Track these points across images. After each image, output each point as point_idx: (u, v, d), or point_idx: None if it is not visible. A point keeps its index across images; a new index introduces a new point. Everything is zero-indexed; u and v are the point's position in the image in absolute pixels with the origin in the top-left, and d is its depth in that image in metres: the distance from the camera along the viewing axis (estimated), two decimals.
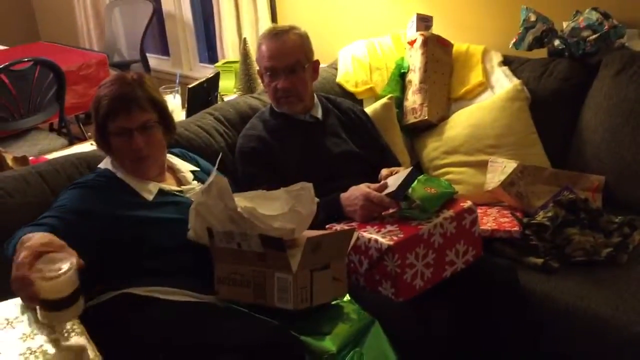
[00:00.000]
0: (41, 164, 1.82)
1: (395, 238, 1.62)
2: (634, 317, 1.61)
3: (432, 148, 2.32)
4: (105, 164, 1.74)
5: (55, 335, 1.18)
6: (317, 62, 2.06)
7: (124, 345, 1.41)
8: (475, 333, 1.76)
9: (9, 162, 1.90)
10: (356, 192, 1.76)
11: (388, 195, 1.72)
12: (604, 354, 1.65)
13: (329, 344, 1.41)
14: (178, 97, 2.49)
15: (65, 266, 1.18)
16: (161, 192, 1.70)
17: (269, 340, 1.36)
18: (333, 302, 1.54)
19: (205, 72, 3.79)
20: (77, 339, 1.19)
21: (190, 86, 2.41)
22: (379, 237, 1.64)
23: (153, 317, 1.48)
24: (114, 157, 1.71)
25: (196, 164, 1.90)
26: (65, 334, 1.20)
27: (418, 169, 2.29)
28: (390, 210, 1.73)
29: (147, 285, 1.55)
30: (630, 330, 1.59)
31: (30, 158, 2.07)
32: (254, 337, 1.37)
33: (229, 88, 2.94)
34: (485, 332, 1.75)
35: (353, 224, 1.74)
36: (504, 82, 2.31)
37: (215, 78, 2.60)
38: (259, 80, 2.70)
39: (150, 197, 1.67)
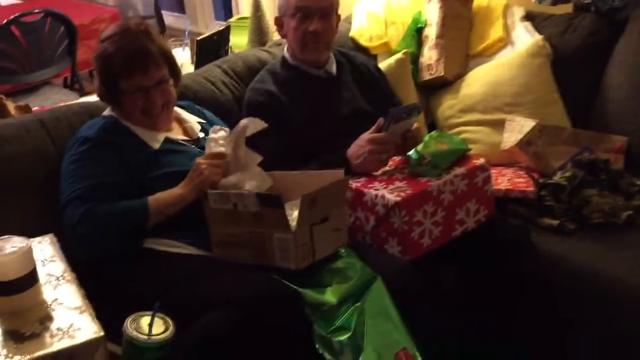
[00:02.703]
0: (43, 112, 1.79)
1: (402, 194, 1.56)
2: None
3: (447, 106, 2.23)
4: (110, 111, 1.69)
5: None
6: (339, 17, 1.97)
7: (119, 296, 1.39)
8: (485, 295, 1.71)
9: (12, 110, 1.86)
10: (359, 142, 1.70)
11: (380, 125, 1.69)
12: (617, 317, 1.59)
13: (329, 295, 1.37)
14: (187, 50, 2.42)
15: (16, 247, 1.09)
16: (167, 140, 1.65)
17: (261, 293, 1.33)
18: (336, 259, 1.49)
19: None
20: (68, 286, 1.16)
21: (199, 38, 2.34)
22: (386, 193, 1.58)
23: (150, 268, 1.46)
24: (122, 112, 1.64)
25: (203, 116, 1.85)
26: (55, 281, 1.16)
27: (432, 127, 2.22)
28: (397, 159, 1.67)
29: (147, 237, 1.52)
30: None
31: (35, 108, 2.03)
32: (247, 290, 1.34)
33: (242, 45, 2.86)
34: (495, 294, 1.70)
35: (361, 179, 1.68)
36: (525, 38, 2.20)
37: (226, 32, 2.52)
38: (270, 34, 2.63)
39: (156, 146, 1.62)
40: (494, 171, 1.82)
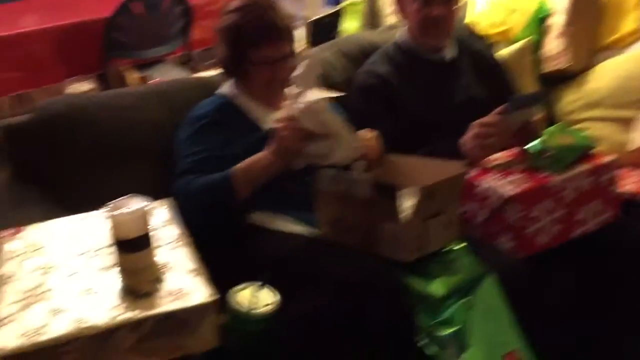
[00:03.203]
0: (160, 84, 1.85)
1: (519, 188, 1.48)
2: None
3: (569, 101, 2.11)
4: (225, 89, 1.71)
5: None
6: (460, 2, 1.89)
7: (226, 267, 1.40)
8: (600, 303, 1.59)
9: (130, 81, 1.93)
10: (470, 128, 1.63)
11: (500, 111, 1.59)
12: None
13: (436, 287, 1.32)
14: (300, 32, 2.42)
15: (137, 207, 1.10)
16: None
17: (367, 278, 1.30)
18: (446, 251, 1.43)
19: None
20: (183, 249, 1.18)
21: (312, 19, 2.33)
22: (501, 185, 1.50)
23: (257, 242, 1.47)
24: (244, 84, 1.66)
25: None
26: (171, 244, 1.18)
27: (551, 123, 2.10)
28: (515, 151, 1.58)
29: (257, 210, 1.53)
30: None
31: (151, 81, 2.09)
32: (352, 273, 1.31)
33: (352, 29, 2.83)
34: (613, 305, 1.57)
35: (474, 169, 1.60)
36: None
37: (338, 14, 2.50)
38: (383, 18, 2.59)
39: (266, 127, 1.62)
40: (620, 172, 1.70)
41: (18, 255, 1.16)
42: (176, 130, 1.63)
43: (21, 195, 1.57)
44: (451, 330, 1.29)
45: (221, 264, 1.39)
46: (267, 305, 1.27)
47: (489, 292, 1.34)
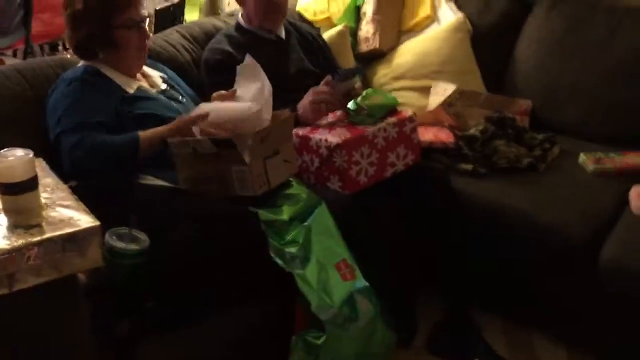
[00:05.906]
0: (18, 63, 1.96)
1: (343, 137, 1.83)
2: (546, 209, 1.89)
3: (381, 74, 2.52)
4: (85, 62, 1.85)
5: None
6: None
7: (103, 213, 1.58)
8: (414, 224, 1.98)
9: None
10: (306, 95, 1.97)
11: (330, 80, 1.95)
12: (524, 241, 1.91)
13: (281, 214, 1.62)
14: None
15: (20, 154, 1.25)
16: (139, 89, 1.86)
17: (223, 211, 1.57)
18: (288, 187, 1.73)
19: None
20: (61, 192, 1.35)
21: (157, 8, 2.54)
22: (328, 136, 1.84)
23: (130, 192, 1.66)
24: (108, 57, 1.81)
25: (164, 72, 2.05)
26: (50, 189, 1.36)
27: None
28: (338, 113, 1.94)
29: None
30: (542, 220, 1.86)
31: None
32: (211, 209, 1.58)
33: (195, 19, 3.04)
34: (422, 225, 1.97)
35: (306, 128, 1.93)
36: (449, 16, 2.52)
37: (182, 4, 2.72)
38: (222, 7, 2.86)
39: (131, 91, 1.82)
40: (421, 129, 2.11)
41: None
42: (49, 96, 1.77)
43: None
44: (296, 248, 1.58)
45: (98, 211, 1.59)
46: (139, 243, 1.49)
47: (323, 217, 1.66)
